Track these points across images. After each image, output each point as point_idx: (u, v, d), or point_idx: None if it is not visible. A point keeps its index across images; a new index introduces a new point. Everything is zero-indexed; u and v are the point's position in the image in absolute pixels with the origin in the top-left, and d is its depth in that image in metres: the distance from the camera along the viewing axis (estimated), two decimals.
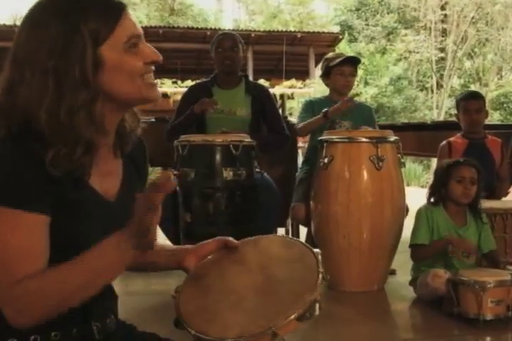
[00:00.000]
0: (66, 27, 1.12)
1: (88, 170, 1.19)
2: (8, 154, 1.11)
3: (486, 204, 3.44)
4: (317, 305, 1.13)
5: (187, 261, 1.36)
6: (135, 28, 1.19)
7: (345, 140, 3.48)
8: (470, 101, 4.11)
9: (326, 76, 4.17)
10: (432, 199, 3.33)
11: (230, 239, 1.38)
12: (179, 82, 13.61)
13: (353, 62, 4.08)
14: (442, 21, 21.92)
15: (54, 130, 1.11)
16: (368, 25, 22.97)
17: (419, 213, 3.29)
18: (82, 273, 1.13)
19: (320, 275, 1.18)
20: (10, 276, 1.09)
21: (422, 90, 22.61)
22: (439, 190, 3.30)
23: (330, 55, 4.42)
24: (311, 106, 4.10)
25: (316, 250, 1.27)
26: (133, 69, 1.18)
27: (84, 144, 1.14)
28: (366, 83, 20.90)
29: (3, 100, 1.16)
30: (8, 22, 17.26)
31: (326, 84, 4.21)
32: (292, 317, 1.10)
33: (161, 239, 3.74)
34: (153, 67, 1.23)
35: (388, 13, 22.99)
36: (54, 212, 1.14)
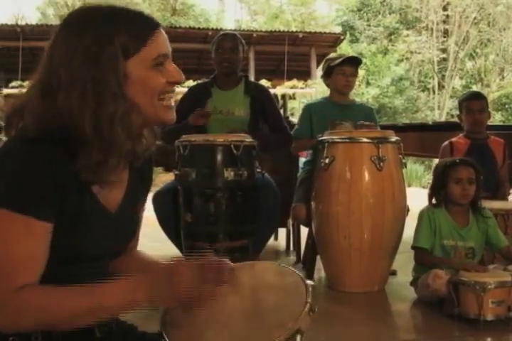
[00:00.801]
0: (101, 36, 1.13)
1: (102, 179, 1.20)
2: (21, 157, 1.11)
3: (488, 204, 3.43)
4: (298, 336, 1.14)
5: None
6: (165, 47, 1.21)
7: (347, 140, 3.48)
8: (473, 102, 4.11)
9: (327, 76, 4.16)
10: (433, 201, 3.33)
11: (226, 260, 1.38)
12: None
13: (355, 62, 4.08)
14: (444, 22, 21.92)
15: (97, 136, 1.12)
16: (369, 25, 22.96)
17: (422, 215, 3.29)
18: (87, 303, 1.12)
19: (307, 306, 1.18)
20: (9, 283, 1.09)
21: (423, 91, 22.60)
22: (438, 192, 3.29)
23: (332, 55, 4.43)
24: (308, 112, 4.08)
25: (309, 282, 1.28)
26: (155, 86, 1.19)
27: (118, 155, 1.17)
28: (368, 83, 20.89)
29: (38, 102, 1.16)
30: (10, 21, 17.28)
31: (327, 85, 4.21)
32: None
33: (162, 239, 3.75)
34: (175, 88, 1.25)
35: (390, 14, 22.98)
36: (57, 220, 1.14)
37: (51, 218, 1.13)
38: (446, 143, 4.16)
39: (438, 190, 3.30)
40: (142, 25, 1.18)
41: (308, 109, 4.11)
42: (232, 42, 3.82)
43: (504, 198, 4.04)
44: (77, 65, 1.12)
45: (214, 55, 3.87)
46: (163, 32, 1.21)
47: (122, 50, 1.14)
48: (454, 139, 4.16)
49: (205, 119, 3.69)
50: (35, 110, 1.15)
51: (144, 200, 1.45)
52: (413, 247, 3.27)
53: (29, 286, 1.10)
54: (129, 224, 1.37)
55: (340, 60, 4.03)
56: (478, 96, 4.24)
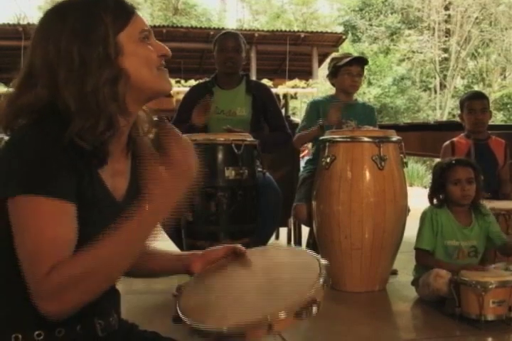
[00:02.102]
0: (88, 14, 1.21)
1: (107, 153, 1.22)
2: (32, 144, 1.12)
3: (489, 204, 3.43)
4: (315, 306, 1.14)
5: (194, 266, 1.38)
6: (146, 24, 1.30)
7: (348, 139, 3.48)
8: (474, 101, 4.10)
9: (333, 75, 4.16)
10: (434, 201, 3.32)
11: (239, 246, 1.41)
12: (182, 81, 13.61)
13: (361, 62, 4.08)
14: (446, 21, 21.93)
15: (80, 104, 1.16)
16: (371, 25, 22.97)
17: (424, 216, 3.27)
18: (113, 246, 1.12)
19: (321, 278, 1.19)
20: (44, 266, 1.07)
21: (425, 90, 22.62)
22: (438, 194, 3.29)
23: (337, 54, 4.43)
24: (315, 108, 4.09)
25: (324, 261, 1.28)
26: (149, 59, 1.26)
27: (107, 119, 1.19)
28: (369, 83, 20.92)
29: (26, 87, 1.20)
30: (13, 21, 17.29)
31: (333, 84, 4.20)
32: (288, 312, 1.11)
33: (162, 238, 3.75)
34: (163, 62, 1.31)
35: (392, 14, 23.00)
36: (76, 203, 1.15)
37: (74, 199, 1.14)
38: (448, 143, 4.16)
39: (437, 192, 3.29)
40: (123, 6, 1.26)
41: (316, 106, 4.10)
42: (234, 41, 3.82)
43: (506, 198, 4.02)
44: (64, 44, 1.18)
45: (217, 54, 3.86)
46: (140, 14, 1.30)
47: (111, 26, 1.21)
48: (455, 139, 4.16)
49: (207, 115, 3.67)
50: (10, 96, 1.20)
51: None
52: (415, 248, 3.27)
53: (58, 264, 1.08)
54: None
55: (347, 59, 4.03)
56: (480, 96, 4.23)
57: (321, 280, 1.18)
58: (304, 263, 1.30)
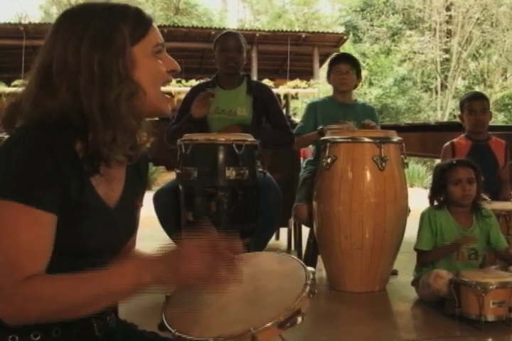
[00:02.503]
0: (108, 23, 1.20)
1: (98, 167, 1.22)
2: (24, 147, 1.12)
3: (489, 205, 3.43)
4: (299, 316, 1.15)
5: None
6: (161, 37, 1.29)
7: (349, 140, 3.48)
8: (474, 102, 4.10)
9: (328, 75, 4.19)
10: (435, 202, 3.32)
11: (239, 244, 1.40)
12: (183, 81, 13.60)
13: (348, 59, 4.07)
14: (447, 22, 21.92)
15: (103, 117, 1.17)
16: (372, 25, 22.96)
17: (423, 217, 3.28)
18: (93, 289, 1.11)
19: (307, 288, 1.19)
20: (16, 273, 1.08)
21: (426, 91, 22.59)
22: (438, 195, 3.29)
23: (334, 55, 4.44)
24: (313, 110, 4.10)
25: (310, 268, 1.28)
26: (158, 74, 1.26)
27: (128, 132, 1.21)
28: (370, 84, 20.91)
29: (37, 91, 1.19)
30: (14, 21, 17.30)
31: (330, 84, 4.22)
32: (271, 323, 1.12)
33: (163, 238, 3.74)
34: (171, 78, 1.30)
35: (393, 14, 22.98)
36: (60, 212, 1.15)
37: (56, 209, 1.13)
38: (448, 143, 4.16)
39: (438, 192, 3.29)
40: (142, 18, 1.25)
41: (314, 107, 4.11)
42: (236, 41, 3.82)
43: (506, 199, 4.03)
44: (84, 51, 1.17)
45: (218, 54, 3.85)
46: (156, 26, 1.29)
47: (129, 37, 1.20)
48: (455, 140, 4.16)
49: (207, 107, 3.67)
50: (35, 98, 1.19)
51: (142, 197, 1.46)
52: (415, 249, 3.28)
53: (36, 276, 1.09)
54: (128, 220, 1.38)
55: (331, 58, 4.09)
56: (480, 97, 4.24)
57: (307, 290, 1.19)
58: (290, 271, 1.30)
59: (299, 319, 1.15)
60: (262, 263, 1.40)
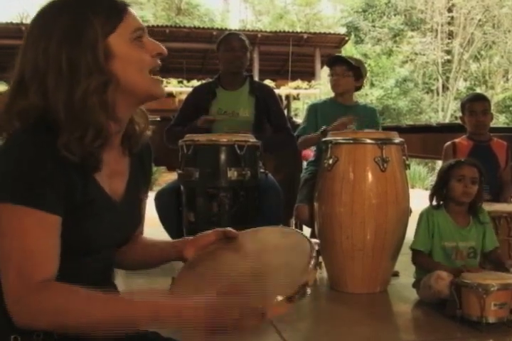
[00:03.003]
0: (77, 19, 1.17)
1: (99, 160, 1.20)
2: (24, 151, 1.11)
3: (491, 207, 3.43)
4: (307, 289, 1.14)
5: (186, 252, 1.37)
6: (139, 22, 1.25)
7: (350, 141, 3.48)
8: (476, 103, 4.11)
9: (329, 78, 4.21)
10: (434, 202, 3.32)
11: (229, 229, 1.40)
12: (185, 81, 13.62)
13: (343, 61, 4.07)
14: (449, 23, 21.89)
15: (69, 114, 1.14)
16: (374, 26, 22.94)
17: (421, 217, 3.29)
18: (111, 311, 1.08)
19: (312, 260, 1.19)
20: (28, 279, 1.07)
21: (427, 92, 22.57)
22: (440, 191, 3.29)
23: (331, 57, 4.46)
24: (314, 111, 4.10)
25: (314, 240, 1.28)
26: (142, 62, 1.23)
27: (96, 129, 1.16)
28: (372, 85, 20.88)
29: (16, 94, 1.19)
30: (15, 20, 17.31)
31: None
32: (281, 298, 1.10)
33: (164, 238, 3.75)
34: (159, 62, 1.27)
35: (395, 15, 22.96)
36: (65, 212, 1.14)
37: (60, 210, 1.13)
38: (449, 143, 4.17)
39: (440, 188, 3.29)
40: (114, 6, 1.22)
41: (314, 108, 4.11)
42: (241, 41, 3.83)
43: (506, 200, 4.03)
44: (52, 50, 1.16)
45: (223, 54, 3.85)
46: (133, 11, 1.26)
47: (101, 28, 1.17)
48: (456, 140, 4.17)
49: (211, 124, 3.71)
50: (9, 100, 1.19)
51: (146, 188, 1.47)
52: (411, 248, 3.28)
53: (51, 283, 1.08)
54: (135, 213, 1.39)
55: (328, 60, 4.12)
56: (481, 98, 4.24)
57: (312, 262, 1.18)
58: (294, 244, 1.30)
59: (308, 290, 1.14)
60: (266, 238, 1.39)
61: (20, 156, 1.11)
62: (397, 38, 22.78)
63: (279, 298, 1.10)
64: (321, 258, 3.51)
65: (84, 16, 1.17)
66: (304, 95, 15.57)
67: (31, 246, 1.09)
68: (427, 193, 3.46)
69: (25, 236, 1.09)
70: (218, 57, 3.90)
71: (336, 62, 4.08)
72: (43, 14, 1.22)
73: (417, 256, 3.26)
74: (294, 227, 4.58)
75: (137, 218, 1.43)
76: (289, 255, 1.27)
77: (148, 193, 1.48)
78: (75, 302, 1.08)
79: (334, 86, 4.08)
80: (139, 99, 1.27)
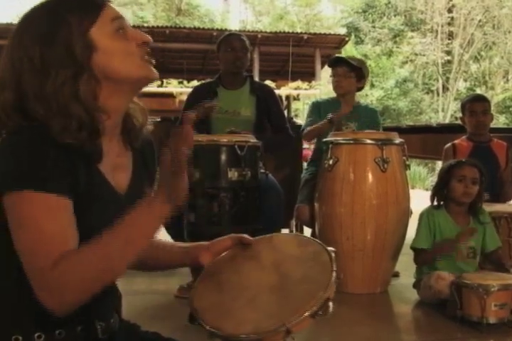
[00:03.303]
0: (52, 16, 1.19)
1: (98, 150, 1.21)
2: (26, 142, 1.12)
3: (491, 207, 3.43)
4: (330, 303, 1.14)
5: (202, 258, 1.36)
6: (116, 12, 1.25)
7: (351, 141, 3.48)
8: (475, 103, 4.11)
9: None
10: (434, 202, 3.32)
11: (245, 235, 1.40)
12: (185, 82, 13.61)
13: (345, 62, 4.07)
14: (449, 24, 21.91)
15: (44, 107, 1.15)
16: (374, 27, 22.97)
17: (421, 216, 3.29)
18: (119, 241, 1.11)
19: (334, 274, 1.18)
20: (46, 259, 1.07)
21: (427, 93, 22.60)
22: (441, 191, 3.29)
23: (331, 58, 4.45)
24: (317, 108, 4.10)
25: (330, 248, 1.27)
26: (127, 51, 1.23)
27: (76, 119, 1.16)
28: (372, 85, 20.89)
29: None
30: (15, 21, 17.31)
31: None
32: (306, 314, 1.10)
33: (165, 238, 3.75)
34: (148, 50, 1.27)
35: (395, 16, 22.98)
36: (73, 197, 1.15)
37: (69, 194, 1.13)
38: (449, 145, 4.17)
39: (440, 188, 3.29)
40: (90, 2, 1.23)
41: (318, 105, 4.11)
42: (241, 42, 3.82)
43: (506, 201, 4.03)
44: (28, 47, 1.18)
45: (224, 54, 3.84)
46: (112, 5, 1.26)
47: (78, 23, 1.18)
48: (456, 141, 4.17)
49: (211, 110, 3.67)
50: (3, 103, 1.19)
51: (151, 183, 1.46)
52: (412, 248, 3.28)
53: (62, 256, 1.08)
54: None
55: (329, 61, 4.12)
56: (481, 99, 4.25)
57: (334, 276, 1.18)
58: (313, 254, 1.28)
59: (331, 306, 1.14)
60: (282, 247, 1.38)
61: (23, 147, 1.12)
62: (397, 39, 22.80)
63: (304, 315, 1.10)
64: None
65: (58, 15, 1.19)
66: (304, 96, 15.56)
67: (46, 229, 1.09)
68: (427, 194, 3.46)
69: (40, 221, 1.09)
70: (219, 57, 3.89)
71: (338, 63, 4.08)
72: (24, 17, 1.24)
73: (418, 254, 3.25)
74: (294, 228, 4.58)
75: None
76: (308, 267, 1.26)
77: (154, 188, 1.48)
78: (90, 250, 1.09)
79: (336, 87, 4.07)
80: (132, 87, 1.27)
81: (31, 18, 1.22)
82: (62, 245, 1.09)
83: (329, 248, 1.27)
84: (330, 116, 3.80)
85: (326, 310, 1.13)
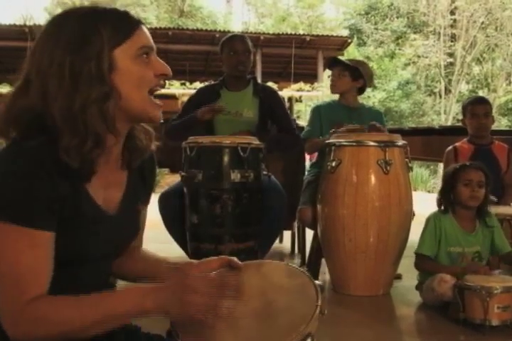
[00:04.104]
0: (86, 27, 1.17)
1: (93, 171, 1.20)
2: (16, 165, 1.11)
3: (493, 209, 3.42)
4: (309, 338, 1.14)
5: None
6: (149, 40, 1.24)
7: (353, 143, 3.48)
8: (477, 106, 4.11)
9: None
10: (442, 207, 3.31)
11: (235, 259, 1.39)
12: (187, 83, 13.61)
13: (338, 62, 4.07)
14: (451, 26, 21.90)
15: (66, 121, 1.14)
16: (377, 29, 22.97)
17: (428, 221, 3.28)
18: (98, 312, 1.12)
19: (317, 309, 1.18)
20: (21, 295, 1.09)
21: (430, 95, 22.59)
22: (447, 195, 3.28)
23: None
24: (317, 113, 4.09)
25: (318, 282, 1.27)
26: (143, 78, 1.21)
27: (95, 139, 1.16)
28: (374, 87, 20.88)
29: (17, 94, 1.19)
30: (19, 22, 17.34)
31: None
32: None
33: (167, 240, 3.74)
34: (162, 82, 1.26)
35: (397, 18, 22.99)
36: (57, 226, 1.15)
37: (54, 227, 1.13)
38: (451, 147, 4.16)
39: (447, 193, 3.29)
40: (126, 21, 1.22)
41: (318, 111, 4.10)
42: (245, 44, 3.82)
43: (507, 203, 4.02)
44: (58, 54, 1.15)
45: (226, 57, 3.84)
46: (146, 29, 1.25)
47: (108, 39, 1.17)
48: (458, 144, 4.16)
49: (214, 114, 3.68)
50: (11, 98, 1.19)
51: (146, 201, 1.46)
52: (416, 253, 3.27)
53: (40, 297, 1.10)
54: (130, 225, 1.38)
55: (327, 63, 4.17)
56: (483, 101, 4.24)
57: (317, 312, 1.17)
58: (300, 287, 1.28)
59: (309, 339, 1.14)
60: (271, 276, 1.37)
61: (11, 172, 1.10)
62: (400, 41, 22.80)
63: None
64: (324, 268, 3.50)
65: (93, 25, 1.17)
66: (307, 97, 15.57)
67: (24, 264, 1.10)
68: (430, 196, 3.47)
69: (19, 256, 1.10)
70: (222, 58, 3.89)
71: (332, 64, 4.11)
72: (55, 19, 1.22)
73: (421, 261, 3.24)
74: (296, 230, 4.58)
75: (133, 230, 1.41)
76: (294, 299, 1.25)
77: (147, 204, 1.48)
78: (64, 310, 1.11)
79: (331, 86, 4.11)
80: (134, 117, 1.25)
81: (64, 23, 1.19)
82: (37, 282, 1.11)
83: (316, 281, 1.27)
84: (333, 130, 3.78)
85: None
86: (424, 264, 3.23)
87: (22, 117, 1.16)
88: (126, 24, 1.21)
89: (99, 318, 1.12)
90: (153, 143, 1.36)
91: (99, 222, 1.23)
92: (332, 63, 4.13)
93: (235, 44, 3.81)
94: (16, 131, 1.17)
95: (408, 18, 22.90)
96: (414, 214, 3.65)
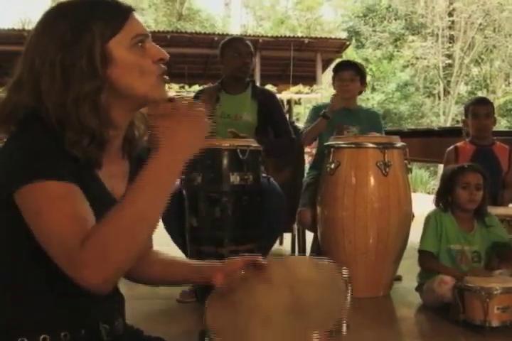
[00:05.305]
0: (75, 24, 1.18)
1: (99, 162, 1.22)
2: (38, 141, 1.12)
3: (491, 210, 3.43)
4: (344, 325, 1.13)
5: (216, 279, 1.34)
6: (142, 28, 1.24)
7: (352, 145, 3.48)
8: (479, 106, 4.11)
9: (333, 82, 4.21)
10: (440, 205, 3.32)
11: (259, 258, 1.38)
12: (186, 86, 13.63)
13: (351, 66, 4.09)
14: (450, 28, 21.91)
15: (61, 118, 1.15)
16: (375, 31, 22.98)
17: (428, 218, 3.28)
18: (144, 195, 1.09)
19: (348, 297, 1.18)
20: (75, 239, 1.04)
21: (428, 96, 22.59)
22: (445, 197, 3.29)
23: (337, 62, 4.47)
24: (317, 113, 4.10)
25: (344, 270, 1.27)
26: (141, 67, 1.21)
27: (90, 134, 1.17)
28: (373, 89, 20.91)
29: (12, 97, 1.20)
30: (17, 26, 17.36)
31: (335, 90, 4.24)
32: (323, 333, 1.09)
33: (167, 243, 3.74)
34: (163, 67, 1.26)
35: (396, 20, 23.00)
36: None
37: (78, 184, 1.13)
38: (451, 147, 4.16)
39: (444, 195, 3.29)
40: (116, 11, 1.22)
41: (319, 111, 4.11)
42: (247, 47, 3.83)
43: (504, 203, 4.02)
44: (49, 53, 1.16)
45: (230, 58, 3.83)
46: (138, 17, 1.25)
47: (100, 34, 1.17)
48: (459, 144, 4.16)
49: (212, 105, 3.68)
50: (6, 96, 1.20)
51: None
52: (419, 251, 3.27)
53: (88, 233, 1.05)
54: None
55: (335, 65, 4.13)
56: (485, 102, 4.24)
57: (348, 299, 1.17)
58: (327, 278, 1.28)
59: (344, 327, 1.13)
60: (297, 269, 1.38)
61: (29, 145, 1.12)
62: (398, 43, 22.81)
63: (321, 333, 1.08)
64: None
65: (83, 21, 1.18)
66: (306, 100, 15.59)
67: (68, 213, 1.08)
68: (429, 197, 3.47)
69: (57, 205, 1.08)
70: (223, 61, 3.89)
71: (344, 67, 4.09)
72: (46, 18, 1.23)
73: (425, 258, 3.24)
74: (296, 232, 4.57)
75: None
76: (324, 291, 1.25)
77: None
78: (112, 221, 1.07)
79: (343, 91, 4.06)
80: (138, 104, 1.27)
81: (54, 20, 1.20)
82: (85, 224, 1.08)
83: (343, 269, 1.26)
84: (323, 111, 3.83)
85: (339, 331, 1.12)
86: (429, 263, 3.23)
87: (18, 113, 1.18)
88: (116, 15, 1.21)
89: (150, 199, 1.09)
90: (148, 133, 1.37)
91: (109, 205, 1.19)
92: (342, 66, 4.13)
93: (239, 47, 3.82)
94: (14, 126, 1.18)
95: (406, 19, 22.91)
96: (413, 216, 3.65)
